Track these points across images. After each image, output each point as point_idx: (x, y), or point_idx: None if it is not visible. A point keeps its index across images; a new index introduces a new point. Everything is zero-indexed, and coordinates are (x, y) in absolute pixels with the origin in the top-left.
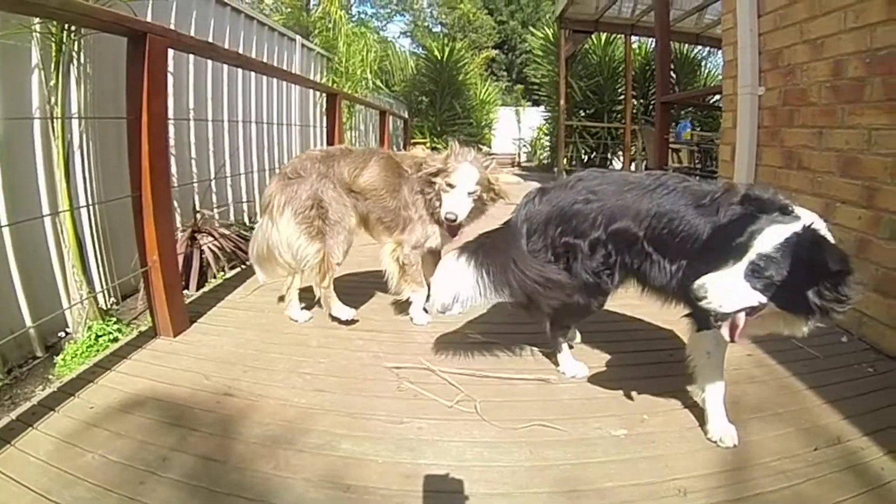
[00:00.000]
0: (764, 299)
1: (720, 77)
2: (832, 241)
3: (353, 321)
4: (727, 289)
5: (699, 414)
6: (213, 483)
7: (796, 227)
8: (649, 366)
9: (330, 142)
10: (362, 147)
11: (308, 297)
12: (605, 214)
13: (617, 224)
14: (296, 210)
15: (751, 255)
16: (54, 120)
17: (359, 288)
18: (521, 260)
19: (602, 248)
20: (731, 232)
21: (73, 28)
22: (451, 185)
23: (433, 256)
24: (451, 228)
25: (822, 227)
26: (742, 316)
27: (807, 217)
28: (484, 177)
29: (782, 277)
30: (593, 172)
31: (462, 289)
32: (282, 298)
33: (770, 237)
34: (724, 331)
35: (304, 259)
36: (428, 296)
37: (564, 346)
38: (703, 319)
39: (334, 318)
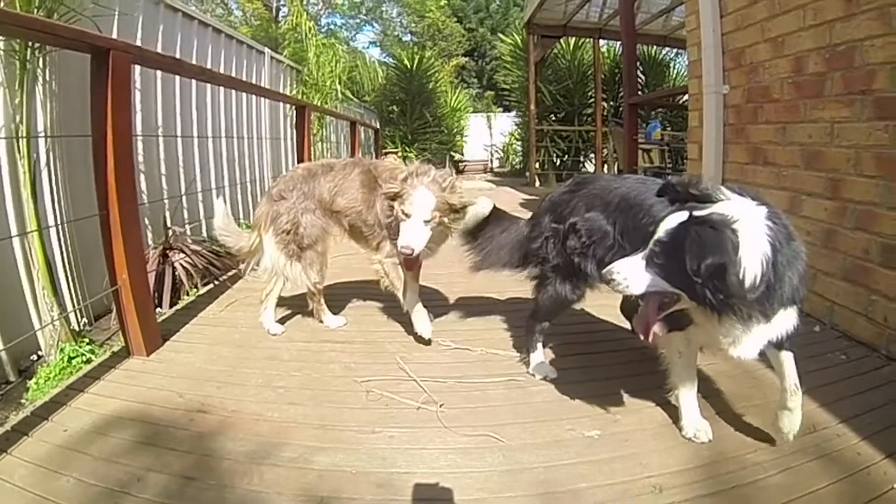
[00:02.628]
0: (662, 282)
1: (687, 78)
2: (739, 229)
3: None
4: (630, 272)
5: (673, 411)
6: (190, 501)
7: (690, 214)
8: (621, 365)
9: (300, 154)
10: (342, 161)
11: (284, 308)
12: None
13: (591, 213)
14: (276, 230)
15: (651, 242)
16: (20, 139)
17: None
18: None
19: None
20: (652, 221)
21: (36, 45)
22: (406, 214)
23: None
24: (408, 261)
25: (750, 215)
26: (653, 314)
27: (732, 205)
28: (442, 201)
29: (672, 264)
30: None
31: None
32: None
33: (665, 224)
34: (651, 332)
35: (288, 276)
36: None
37: (539, 345)
38: (672, 319)
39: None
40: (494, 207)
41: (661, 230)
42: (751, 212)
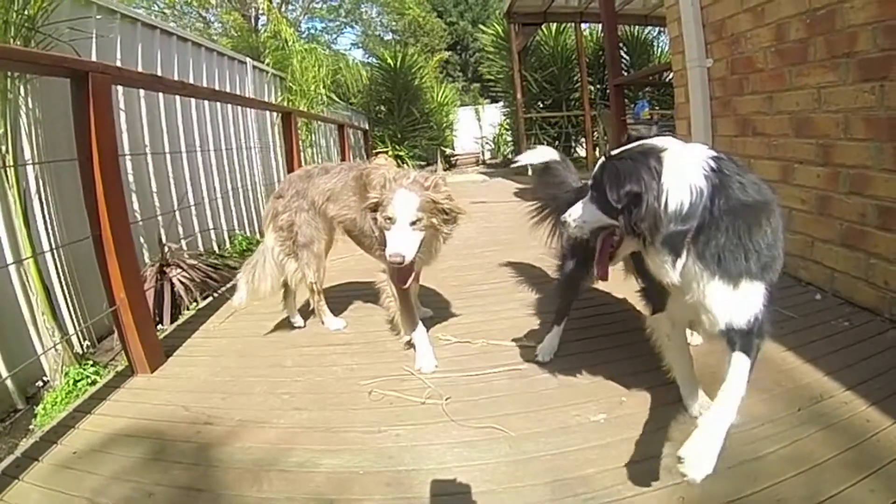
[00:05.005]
0: (600, 215)
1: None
2: (664, 158)
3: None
4: (576, 213)
5: (678, 391)
6: None
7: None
8: (624, 347)
9: (289, 161)
10: (340, 165)
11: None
12: None
13: None
14: (275, 227)
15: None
16: (6, 169)
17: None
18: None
19: None
20: None
21: (16, 74)
22: (389, 220)
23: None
24: (402, 273)
25: (685, 149)
26: (605, 252)
27: (664, 141)
28: (427, 199)
29: (603, 196)
30: None
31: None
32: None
33: (598, 164)
34: (598, 270)
35: (286, 272)
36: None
37: (557, 327)
38: (655, 301)
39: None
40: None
41: (593, 175)
42: (687, 147)
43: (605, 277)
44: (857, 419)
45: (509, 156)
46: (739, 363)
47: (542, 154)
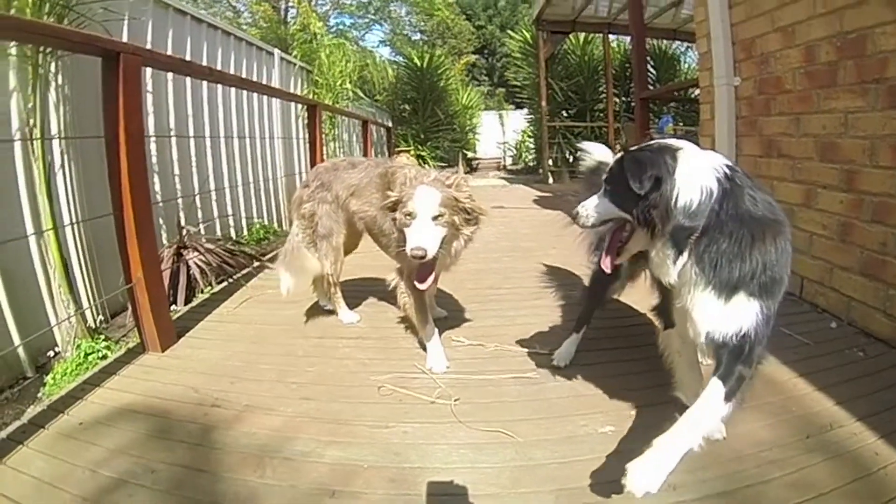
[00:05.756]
0: (612, 207)
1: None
2: (679, 156)
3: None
4: (589, 206)
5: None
6: (202, 493)
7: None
8: (637, 361)
9: (312, 154)
10: (368, 161)
11: (300, 304)
12: None
13: None
14: (298, 215)
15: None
16: (34, 142)
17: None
18: None
19: None
20: None
21: (48, 50)
22: (410, 216)
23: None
24: (423, 271)
25: (700, 152)
26: (613, 247)
27: (680, 142)
28: (449, 196)
29: (618, 189)
30: None
31: None
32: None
33: (613, 160)
34: (606, 261)
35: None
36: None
37: (575, 334)
38: (667, 316)
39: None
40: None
41: (608, 169)
42: (703, 152)
43: (609, 270)
44: (866, 451)
45: (531, 163)
46: (711, 390)
47: (600, 152)
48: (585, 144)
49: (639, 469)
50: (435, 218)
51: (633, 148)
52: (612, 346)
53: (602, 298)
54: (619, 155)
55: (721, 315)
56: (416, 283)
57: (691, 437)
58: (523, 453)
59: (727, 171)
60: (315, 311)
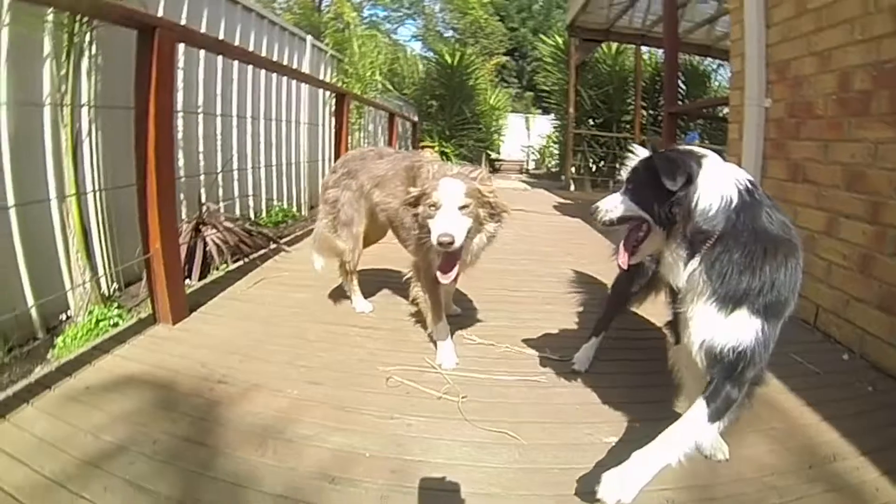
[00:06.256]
0: (632, 206)
1: (729, 90)
2: (703, 163)
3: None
4: (609, 204)
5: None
6: (201, 467)
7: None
8: (647, 374)
9: (337, 141)
10: (396, 152)
11: (315, 289)
12: None
13: None
14: (323, 199)
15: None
16: (63, 108)
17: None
18: None
19: None
20: None
21: (84, 20)
22: (434, 206)
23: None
24: (448, 260)
25: (724, 163)
26: (629, 244)
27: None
28: (474, 188)
29: (639, 189)
30: None
31: None
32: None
33: (634, 163)
34: (622, 258)
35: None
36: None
37: (595, 338)
38: (679, 331)
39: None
40: None
41: (631, 169)
42: (727, 164)
43: (626, 267)
44: (868, 486)
45: (553, 168)
46: (696, 410)
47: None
48: (636, 147)
49: (614, 479)
50: (461, 208)
51: (660, 151)
52: (625, 357)
53: (622, 305)
54: (644, 157)
55: (720, 327)
56: (439, 273)
57: (669, 454)
58: (526, 456)
59: (748, 185)
60: (328, 296)
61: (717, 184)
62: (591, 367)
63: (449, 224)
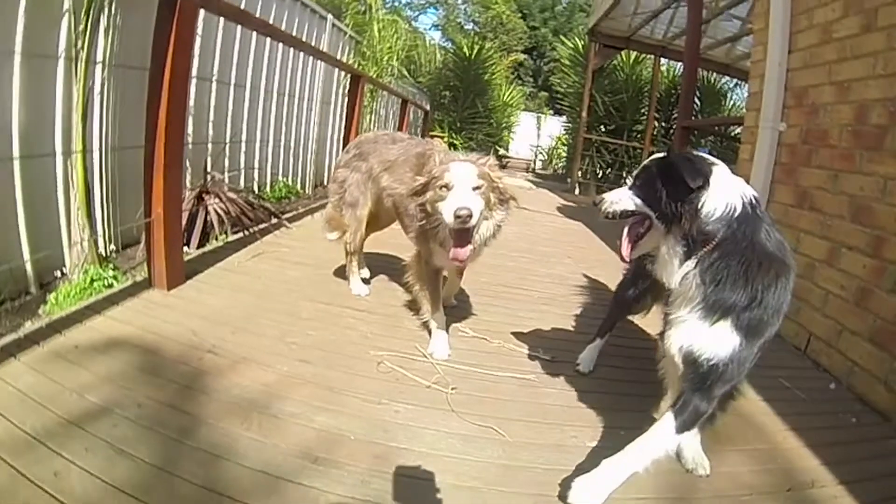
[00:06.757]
0: (638, 201)
1: (744, 109)
2: (713, 170)
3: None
4: (615, 197)
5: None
6: (184, 435)
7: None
8: (638, 384)
9: (349, 122)
10: (410, 139)
11: (312, 267)
12: None
13: None
14: (333, 178)
15: (633, 177)
16: (78, 64)
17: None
18: None
19: None
20: None
21: None
22: (447, 187)
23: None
24: (462, 237)
25: (733, 176)
26: (629, 238)
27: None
28: (485, 172)
29: (648, 187)
30: None
31: None
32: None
33: (644, 163)
34: (625, 249)
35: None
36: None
37: (599, 339)
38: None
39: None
40: None
41: (642, 166)
42: (735, 177)
43: (628, 258)
44: None
45: (560, 170)
46: (663, 422)
47: None
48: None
49: (583, 485)
50: (475, 188)
51: (674, 152)
52: (618, 364)
53: (626, 309)
54: (660, 157)
55: (701, 336)
56: (454, 252)
57: (636, 463)
58: (511, 453)
59: (752, 200)
60: (326, 276)
61: (724, 191)
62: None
63: (465, 199)
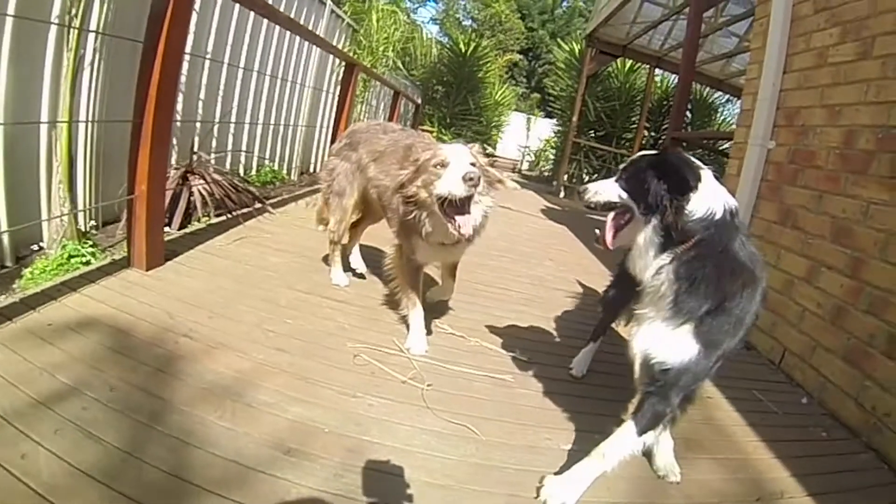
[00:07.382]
0: (624, 193)
1: (734, 125)
2: (701, 174)
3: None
4: (600, 187)
5: (652, 445)
6: (155, 420)
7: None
8: (617, 389)
9: (339, 110)
10: (403, 130)
11: (293, 255)
12: None
13: None
14: (324, 167)
15: (619, 170)
16: (70, 31)
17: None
18: None
19: None
20: None
21: None
22: (443, 164)
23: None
24: (463, 205)
25: (717, 183)
26: (611, 228)
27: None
28: (476, 153)
29: (634, 180)
30: None
31: None
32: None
33: (632, 158)
34: (608, 236)
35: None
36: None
37: (592, 343)
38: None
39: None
40: None
41: (630, 161)
42: (719, 184)
43: (607, 247)
44: None
45: (546, 173)
46: (625, 427)
47: None
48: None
49: (555, 484)
50: (472, 165)
51: (664, 151)
52: (599, 370)
53: (615, 313)
54: (653, 155)
55: (663, 339)
56: (460, 219)
57: (603, 465)
58: (483, 452)
59: (733, 209)
60: (307, 264)
61: (708, 195)
62: (561, 374)
63: (468, 167)
